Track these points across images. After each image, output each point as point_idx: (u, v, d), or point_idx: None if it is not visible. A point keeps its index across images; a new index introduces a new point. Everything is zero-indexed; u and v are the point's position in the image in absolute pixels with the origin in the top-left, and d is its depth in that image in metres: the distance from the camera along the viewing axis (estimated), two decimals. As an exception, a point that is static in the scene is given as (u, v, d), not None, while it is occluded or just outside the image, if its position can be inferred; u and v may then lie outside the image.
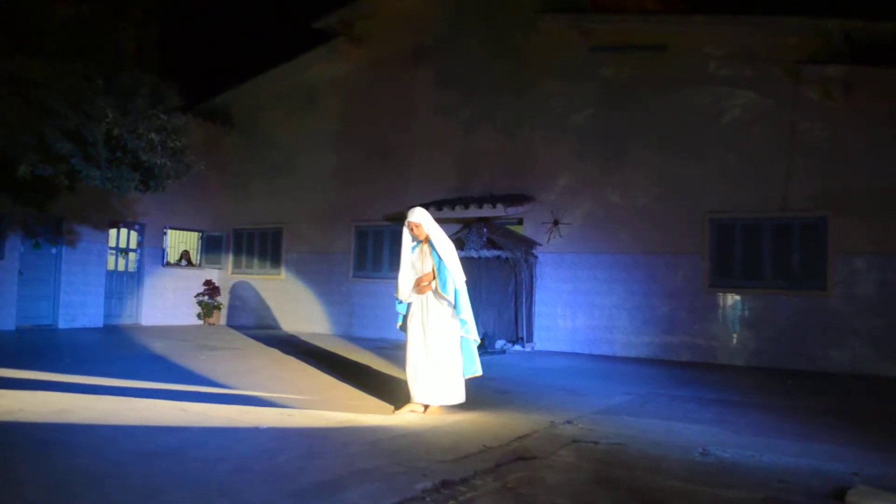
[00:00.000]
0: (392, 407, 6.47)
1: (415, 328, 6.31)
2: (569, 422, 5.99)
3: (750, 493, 4.09)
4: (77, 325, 14.06)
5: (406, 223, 6.38)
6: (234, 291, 16.88)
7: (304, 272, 15.71)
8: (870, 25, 10.45)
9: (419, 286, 6.29)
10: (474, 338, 6.40)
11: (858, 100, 10.42)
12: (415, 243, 6.43)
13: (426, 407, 6.22)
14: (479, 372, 6.43)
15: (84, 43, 9.31)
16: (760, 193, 10.96)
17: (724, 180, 11.24)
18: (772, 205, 10.88)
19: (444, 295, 6.18)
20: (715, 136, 11.39)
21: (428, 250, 6.34)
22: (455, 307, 6.21)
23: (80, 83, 9.10)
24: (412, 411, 6.21)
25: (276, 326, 15.74)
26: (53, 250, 13.90)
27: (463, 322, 6.29)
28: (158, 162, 9.97)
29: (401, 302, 6.48)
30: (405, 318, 6.49)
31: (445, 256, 6.22)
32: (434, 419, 5.99)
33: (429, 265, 6.30)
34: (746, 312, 11.00)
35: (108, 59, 9.55)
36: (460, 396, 6.26)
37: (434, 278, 6.24)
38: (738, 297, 11.09)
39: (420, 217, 6.33)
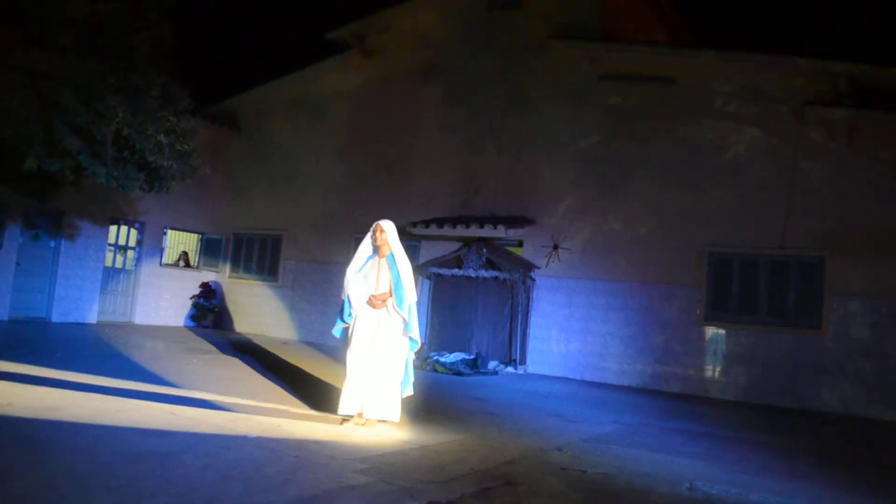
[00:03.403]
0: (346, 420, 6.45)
1: (362, 341, 6.24)
2: (558, 448, 5.98)
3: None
4: (70, 319, 14.03)
5: (372, 227, 6.40)
6: (231, 296, 16.85)
7: (302, 281, 15.71)
8: (875, 70, 10.56)
9: (374, 301, 6.27)
10: (412, 355, 6.48)
11: (861, 143, 10.50)
12: (372, 253, 6.44)
13: (359, 415, 6.21)
14: (411, 392, 6.49)
15: (98, 41, 9.36)
16: (760, 230, 11.01)
17: (725, 215, 11.30)
18: (770, 242, 10.93)
19: (400, 312, 6.23)
20: (717, 170, 11.45)
21: (387, 265, 6.34)
22: (407, 325, 6.25)
23: (92, 80, 9.14)
24: (357, 424, 6.16)
25: (270, 333, 15.71)
26: (52, 243, 13.89)
27: (413, 342, 6.37)
28: (165, 164, 10.01)
29: (349, 306, 6.35)
30: (348, 328, 6.42)
31: (404, 275, 6.28)
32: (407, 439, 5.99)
33: (385, 280, 6.29)
34: (740, 347, 11.01)
35: (121, 58, 9.59)
36: (396, 415, 6.24)
37: (391, 295, 6.25)
38: (732, 332, 11.11)
39: (389, 227, 6.39)
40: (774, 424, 8.91)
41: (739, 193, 11.23)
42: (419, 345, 6.39)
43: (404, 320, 6.25)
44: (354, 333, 6.30)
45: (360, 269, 6.39)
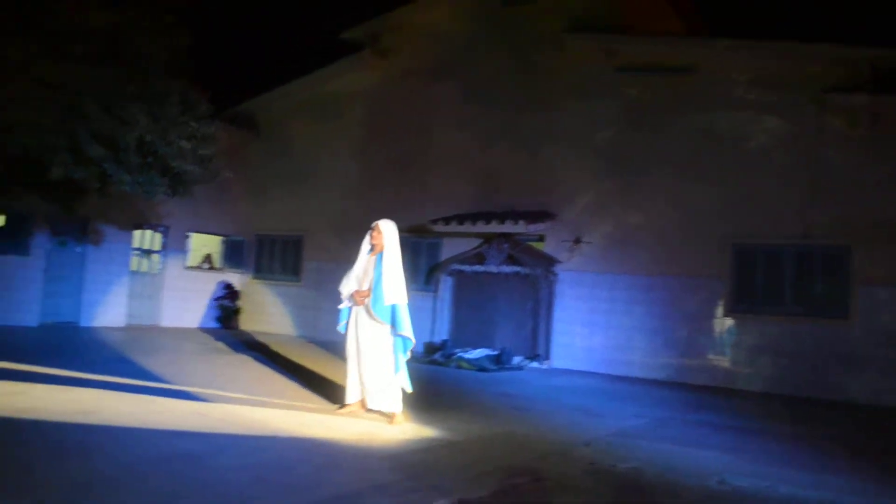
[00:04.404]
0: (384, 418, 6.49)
1: (350, 335, 6.56)
2: (585, 443, 5.99)
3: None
4: (99, 323, 14.23)
5: (371, 226, 6.56)
6: (255, 297, 16.99)
7: (323, 281, 15.77)
8: (896, 55, 10.42)
9: (356, 297, 6.48)
10: (407, 354, 6.53)
11: (884, 129, 10.37)
12: (369, 249, 6.61)
13: (361, 404, 6.52)
14: (409, 389, 6.53)
15: (116, 49, 9.46)
16: (783, 220, 10.92)
17: (747, 205, 11.21)
18: (794, 231, 10.82)
19: (373, 313, 6.34)
20: (738, 160, 11.36)
21: (373, 264, 6.49)
22: (394, 324, 6.35)
23: (113, 89, 9.26)
24: (351, 413, 6.48)
25: (294, 333, 15.83)
26: (78, 249, 14.09)
27: (407, 341, 6.43)
28: (187, 168, 10.12)
29: (342, 302, 6.65)
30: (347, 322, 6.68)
31: (387, 274, 6.37)
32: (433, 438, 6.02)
33: (370, 278, 6.46)
34: (765, 339, 10.92)
35: (140, 65, 9.69)
36: (396, 406, 6.36)
37: (369, 295, 6.39)
38: (757, 323, 11.02)
39: (385, 227, 6.53)
40: (802, 416, 8.85)
41: (761, 183, 11.14)
42: (412, 342, 6.47)
43: (378, 320, 6.34)
44: (349, 329, 6.59)
45: (360, 266, 6.61)
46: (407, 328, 6.37)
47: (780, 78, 11.22)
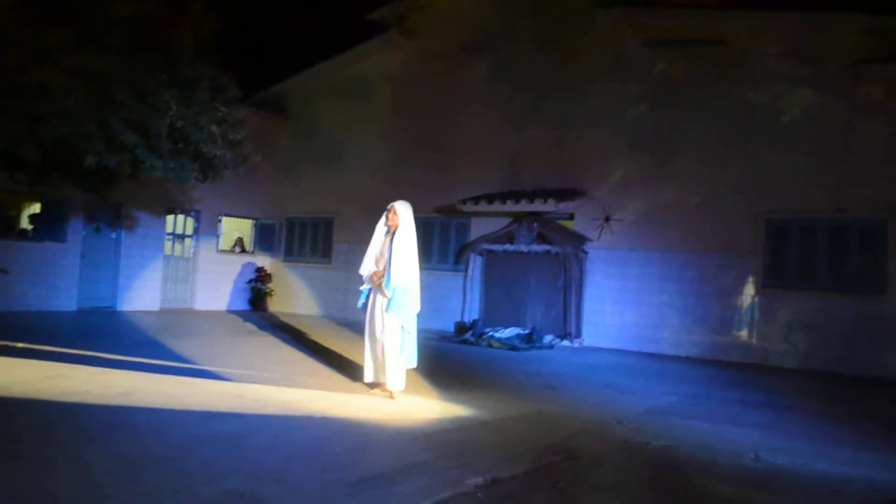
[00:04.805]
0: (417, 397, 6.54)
1: (369, 316, 6.75)
2: (618, 421, 6.00)
3: (804, 501, 4.07)
4: (135, 307, 14.49)
5: (387, 207, 6.72)
6: (287, 279, 17.16)
7: (353, 262, 15.82)
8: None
9: (374, 277, 6.65)
10: (411, 332, 6.64)
11: (923, 100, 10.13)
12: (386, 229, 6.75)
13: (379, 386, 6.66)
14: (414, 364, 6.72)
15: (145, 37, 9.54)
16: (817, 194, 10.73)
17: (780, 180, 11.03)
18: (829, 206, 10.63)
19: (385, 291, 6.50)
20: (771, 134, 11.16)
21: (389, 245, 6.61)
22: (389, 303, 6.47)
23: (144, 76, 9.36)
24: (371, 393, 6.64)
25: (325, 314, 15.97)
26: (113, 235, 14.33)
27: (404, 330, 6.57)
28: (218, 153, 10.22)
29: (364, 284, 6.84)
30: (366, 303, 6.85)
31: (399, 255, 6.49)
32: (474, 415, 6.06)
33: (386, 258, 6.59)
34: (799, 315, 10.79)
35: (170, 52, 9.78)
36: (397, 384, 6.52)
37: (384, 275, 6.53)
38: (791, 299, 10.88)
39: (401, 208, 6.69)
40: (836, 392, 8.76)
41: (794, 157, 10.94)
42: (405, 327, 6.58)
43: (387, 298, 6.50)
44: (368, 308, 6.78)
45: (377, 247, 6.76)
46: (403, 310, 6.48)
47: (813, 49, 10.98)
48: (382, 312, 6.56)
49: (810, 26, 11.04)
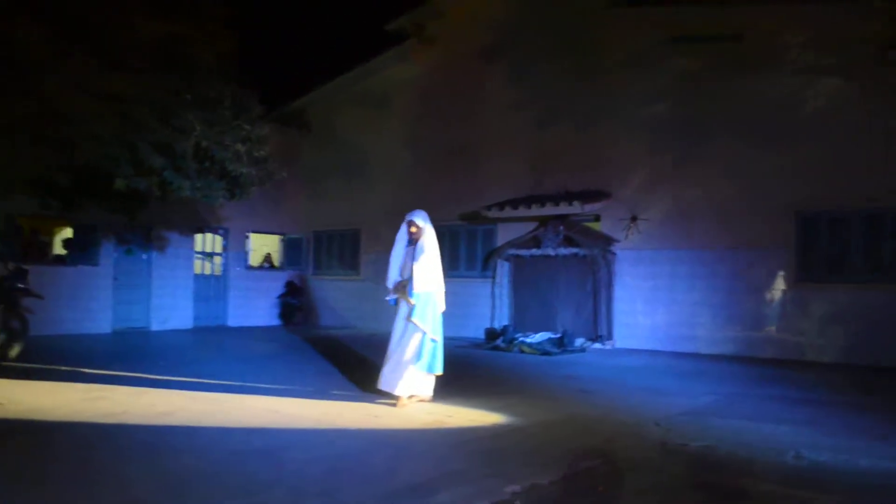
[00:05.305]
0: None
1: (397, 325, 6.83)
2: (655, 423, 5.94)
3: (849, 498, 4.00)
4: (168, 326, 14.67)
5: (406, 222, 6.86)
6: (316, 292, 17.28)
7: (382, 272, 15.87)
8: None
9: (397, 289, 6.83)
10: (433, 338, 6.73)
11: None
12: (406, 240, 6.89)
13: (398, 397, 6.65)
14: (440, 371, 6.81)
15: (168, 58, 9.68)
16: (848, 184, 10.55)
17: (808, 172, 10.87)
18: (860, 196, 10.47)
19: (410, 300, 6.62)
20: (797, 125, 11.02)
21: (411, 255, 6.76)
22: (412, 311, 6.61)
23: (168, 98, 9.49)
24: (402, 404, 6.59)
25: (355, 326, 16.03)
26: (144, 256, 14.53)
27: (428, 339, 6.66)
28: (244, 171, 10.32)
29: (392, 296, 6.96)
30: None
31: (422, 264, 6.62)
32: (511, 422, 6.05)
33: (409, 269, 6.72)
34: (835, 307, 10.61)
35: (192, 72, 9.90)
36: (427, 391, 6.71)
37: (407, 284, 6.68)
38: (825, 292, 10.71)
39: (418, 219, 6.82)
40: (876, 385, 8.59)
41: (823, 148, 10.78)
42: (432, 337, 6.69)
43: (411, 306, 6.63)
44: (395, 318, 6.88)
45: (399, 258, 6.91)
46: (426, 316, 6.62)
47: (838, 37, 10.82)
48: (405, 320, 6.69)
49: (833, 13, 10.88)
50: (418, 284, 6.57)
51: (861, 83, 10.55)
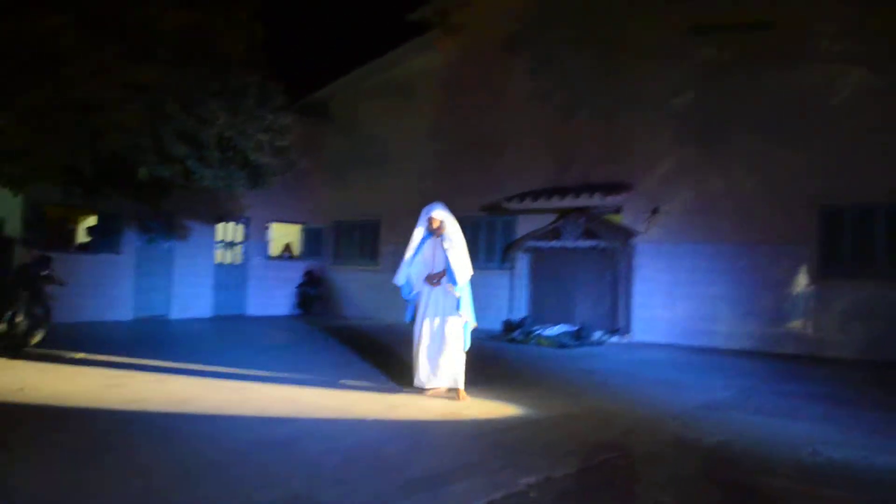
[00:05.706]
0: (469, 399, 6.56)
1: (420, 318, 6.82)
2: (672, 417, 5.94)
3: (865, 496, 3.98)
4: (188, 315, 14.81)
5: (427, 218, 6.83)
6: (335, 282, 17.36)
7: (401, 264, 15.96)
8: None
9: (431, 279, 6.75)
10: (472, 323, 6.82)
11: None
12: (426, 234, 6.88)
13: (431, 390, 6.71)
14: (467, 344, 6.81)
15: (194, 48, 9.74)
16: (873, 178, 10.41)
17: (833, 165, 10.74)
18: (884, 190, 10.33)
19: (455, 290, 6.61)
20: (823, 118, 10.88)
21: (441, 246, 6.75)
22: (458, 303, 6.63)
23: (192, 87, 9.55)
24: (432, 395, 6.67)
25: (374, 317, 16.09)
26: (166, 245, 14.67)
27: (466, 322, 6.73)
28: (266, 161, 10.38)
29: (409, 286, 6.97)
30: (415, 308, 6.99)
31: (457, 254, 6.62)
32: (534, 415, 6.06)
33: (441, 260, 6.73)
34: (857, 303, 10.50)
35: (217, 62, 9.95)
36: (461, 382, 6.66)
37: (444, 275, 6.68)
38: (847, 287, 10.60)
39: (439, 213, 6.80)
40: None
41: (847, 141, 10.65)
42: (472, 325, 6.79)
43: (454, 297, 6.64)
44: (420, 310, 6.88)
45: (417, 250, 6.89)
46: (466, 310, 6.66)
47: (868, 26, 10.65)
48: (444, 314, 6.68)
49: (863, 2, 10.70)
50: (461, 277, 6.58)
51: (889, 75, 10.38)
